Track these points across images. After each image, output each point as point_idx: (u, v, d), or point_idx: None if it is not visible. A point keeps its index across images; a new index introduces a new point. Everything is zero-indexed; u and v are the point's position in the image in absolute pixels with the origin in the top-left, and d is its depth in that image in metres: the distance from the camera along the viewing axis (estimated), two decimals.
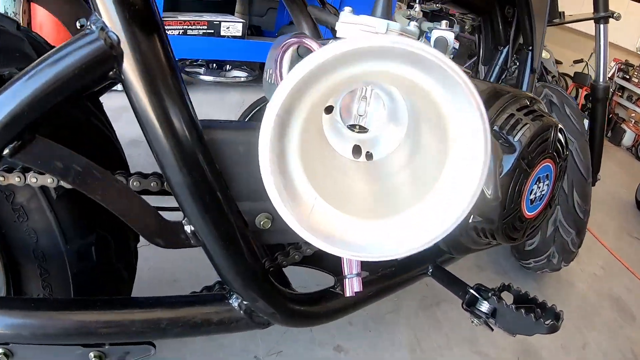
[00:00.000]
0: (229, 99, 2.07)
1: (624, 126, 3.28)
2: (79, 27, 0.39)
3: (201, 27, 1.92)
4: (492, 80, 0.91)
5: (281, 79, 0.39)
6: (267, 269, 0.37)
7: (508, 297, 0.55)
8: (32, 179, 0.33)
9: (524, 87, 0.84)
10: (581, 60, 3.33)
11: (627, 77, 3.36)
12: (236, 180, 0.35)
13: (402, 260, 0.62)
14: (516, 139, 0.48)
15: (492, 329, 0.55)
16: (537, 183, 0.53)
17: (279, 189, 0.23)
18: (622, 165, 3.32)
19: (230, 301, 0.41)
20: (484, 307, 0.52)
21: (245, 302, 0.41)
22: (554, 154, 0.54)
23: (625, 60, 3.41)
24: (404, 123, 0.33)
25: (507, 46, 0.90)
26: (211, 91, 2.13)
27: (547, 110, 0.60)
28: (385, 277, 0.57)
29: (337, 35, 0.32)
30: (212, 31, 1.95)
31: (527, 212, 0.53)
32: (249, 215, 0.38)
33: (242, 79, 2.19)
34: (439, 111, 0.24)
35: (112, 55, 0.27)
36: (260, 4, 2.52)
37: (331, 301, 0.46)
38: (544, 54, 2.78)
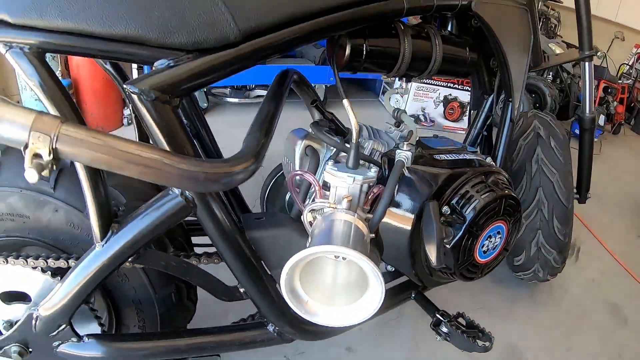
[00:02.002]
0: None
1: None
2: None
3: None
4: (478, 126, 1.06)
5: (299, 204, 0.58)
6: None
7: (463, 322, 0.74)
8: (136, 264, 0.57)
9: (503, 137, 0.98)
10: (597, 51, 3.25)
11: None
12: (269, 257, 0.57)
13: (392, 290, 0.83)
14: (467, 212, 0.66)
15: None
16: (489, 239, 0.71)
17: (290, 299, 0.44)
18: None
19: (268, 327, 0.64)
20: (444, 328, 0.72)
21: (277, 328, 0.64)
22: (504, 216, 0.71)
23: None
24: None
25: (492, 95, 1.03)
26: (237, 112, 2.36)
27: (507, 179, 0.76)
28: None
29: (325, 179, 0.52)
30: None
31: (480, 259, 0.72)
32: (276, 276, 0.60)
33: None
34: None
35: (190, 207, 0.49)
36: None
37: None
38: (558, 51, 2.74)
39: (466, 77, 0.96)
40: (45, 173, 0.34)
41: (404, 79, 0.81)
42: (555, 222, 1.10)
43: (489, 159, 0.85)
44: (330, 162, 0.52)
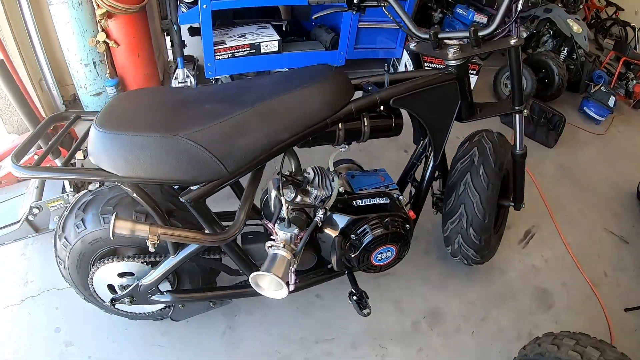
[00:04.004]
0: None
1: None
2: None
3: (245, 49, 2.55)
4: (415, 158, 1.49)
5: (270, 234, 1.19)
6: None
7: (363, 297, 1.35)
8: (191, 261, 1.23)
9: (427, 176, 1.42)
10: (628, 24, 3.02)
11: None
12: (254, 256, 1.22)
13: (330, 269, 1.44)
14: (364, 239, 1.21)
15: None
16: (381, 254, 1.26)
17: (254, 287, 1.10)
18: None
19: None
20: (354, 298, 1.34)
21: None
22: (392, 242, 1.24)
23: None
24: None
25: (426, 138, 1.43)
26: None
27: (403, 217, 1.25)
28: (319, 275, 1.40)
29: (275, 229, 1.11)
30: (254, 51, 2.56)
31: (377, 263, 1.28)
32: (258, 265, 1.24)
33: None
34: None
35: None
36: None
37: None
38: (576, 28, 2.70)
39: (397, 135, 1.34)
40: (156, 246, 0.97)
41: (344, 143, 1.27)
42: (472, 231, 1.56)
43: (401, 197, 1.33)
44: (278, 223, 1.10)
